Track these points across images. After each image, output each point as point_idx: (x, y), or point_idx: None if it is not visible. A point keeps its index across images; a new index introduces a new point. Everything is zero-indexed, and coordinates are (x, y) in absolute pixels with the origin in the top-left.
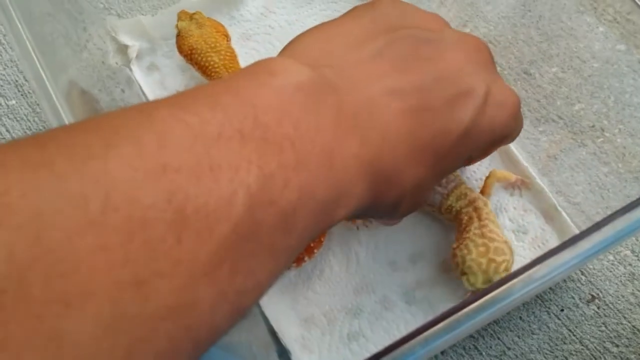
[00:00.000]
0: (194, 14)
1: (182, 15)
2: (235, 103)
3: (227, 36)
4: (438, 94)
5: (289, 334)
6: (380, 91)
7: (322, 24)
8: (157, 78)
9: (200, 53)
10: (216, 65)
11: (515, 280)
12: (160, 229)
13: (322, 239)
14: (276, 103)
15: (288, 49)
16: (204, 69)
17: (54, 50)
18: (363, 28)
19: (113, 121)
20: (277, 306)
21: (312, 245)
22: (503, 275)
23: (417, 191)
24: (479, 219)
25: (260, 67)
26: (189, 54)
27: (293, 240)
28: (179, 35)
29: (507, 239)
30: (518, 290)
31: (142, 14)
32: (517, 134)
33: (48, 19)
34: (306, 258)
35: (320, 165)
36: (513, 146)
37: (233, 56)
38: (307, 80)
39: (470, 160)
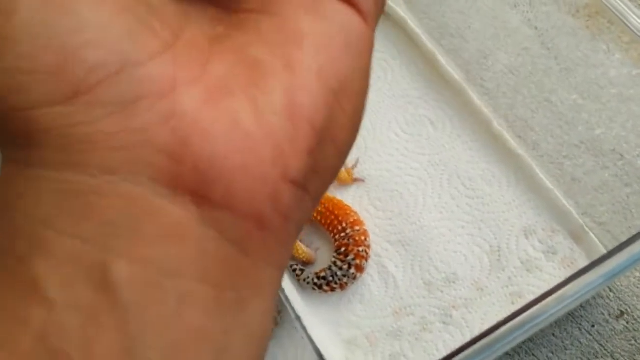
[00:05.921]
0: None
1: None
2: None
3: None
4: None
5: (334, 356)
6: None
7: None
8: None
9: None
10: None
11: (548, 300)
12: None
13: (363, 266)
14: None
15: None
16: None
17: None
18: None
19: None
20: (322, 329)
21: (357, 271)
22: None
23: None
24: None
25: None
26: None
27: None
28: None
29: None
30: (551, 308)
31: None
32: None
33: None
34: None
35: None
36: (538, 170)
37: None
38: None
39: None
